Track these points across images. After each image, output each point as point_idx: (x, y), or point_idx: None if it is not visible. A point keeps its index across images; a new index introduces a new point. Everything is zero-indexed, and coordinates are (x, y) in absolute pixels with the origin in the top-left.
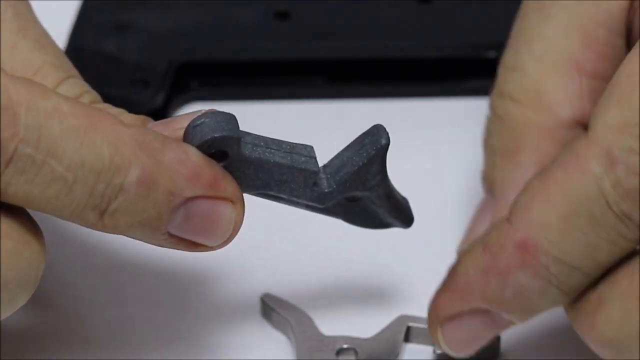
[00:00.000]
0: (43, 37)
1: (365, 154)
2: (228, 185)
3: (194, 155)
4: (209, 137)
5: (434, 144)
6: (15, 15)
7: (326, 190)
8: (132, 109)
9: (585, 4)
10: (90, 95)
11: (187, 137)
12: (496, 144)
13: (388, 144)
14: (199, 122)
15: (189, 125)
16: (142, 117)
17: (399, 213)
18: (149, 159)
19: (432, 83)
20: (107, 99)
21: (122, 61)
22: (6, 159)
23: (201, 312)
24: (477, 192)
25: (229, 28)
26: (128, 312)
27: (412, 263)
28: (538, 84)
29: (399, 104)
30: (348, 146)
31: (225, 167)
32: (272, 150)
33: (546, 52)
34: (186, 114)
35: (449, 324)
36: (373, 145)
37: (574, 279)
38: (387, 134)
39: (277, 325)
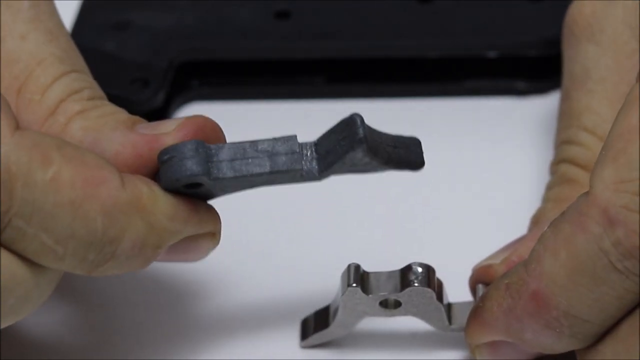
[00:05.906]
0: (56, 29)
1: (345, 147)
2: (210, 223)
3: (182, 207)
4: (173, 178)
5: (434, 143)
6: (31, 5)
7: (317, 175)
8: (132, 108)
9: (621, 75)
10: (91, 91)
11: (159, 170)
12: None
13: (365, 138)
14: (165, 157)
15: (158, 158)
16: (135, 117)
17: (405, 165)
18: (142, 224)
19: (432, 83)
20: (107, 98)
21: (122, 60)
22: None
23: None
24: (477, 190)
25: (229, 27)
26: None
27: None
28: (594, 153)
29: (399, 104)
30: (333, 128)
31: (205, 190)
32: (250, 160)
33: (596, 124)
34: (172, 119)
35: (483, 348)
36: (351, 141)
37: (587, 329)
38: (363, 126)
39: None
